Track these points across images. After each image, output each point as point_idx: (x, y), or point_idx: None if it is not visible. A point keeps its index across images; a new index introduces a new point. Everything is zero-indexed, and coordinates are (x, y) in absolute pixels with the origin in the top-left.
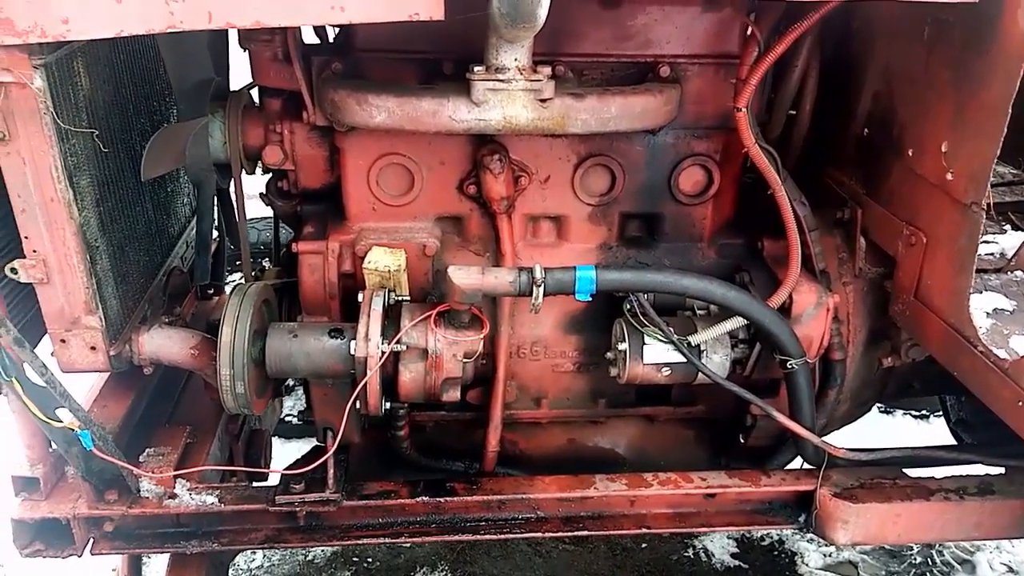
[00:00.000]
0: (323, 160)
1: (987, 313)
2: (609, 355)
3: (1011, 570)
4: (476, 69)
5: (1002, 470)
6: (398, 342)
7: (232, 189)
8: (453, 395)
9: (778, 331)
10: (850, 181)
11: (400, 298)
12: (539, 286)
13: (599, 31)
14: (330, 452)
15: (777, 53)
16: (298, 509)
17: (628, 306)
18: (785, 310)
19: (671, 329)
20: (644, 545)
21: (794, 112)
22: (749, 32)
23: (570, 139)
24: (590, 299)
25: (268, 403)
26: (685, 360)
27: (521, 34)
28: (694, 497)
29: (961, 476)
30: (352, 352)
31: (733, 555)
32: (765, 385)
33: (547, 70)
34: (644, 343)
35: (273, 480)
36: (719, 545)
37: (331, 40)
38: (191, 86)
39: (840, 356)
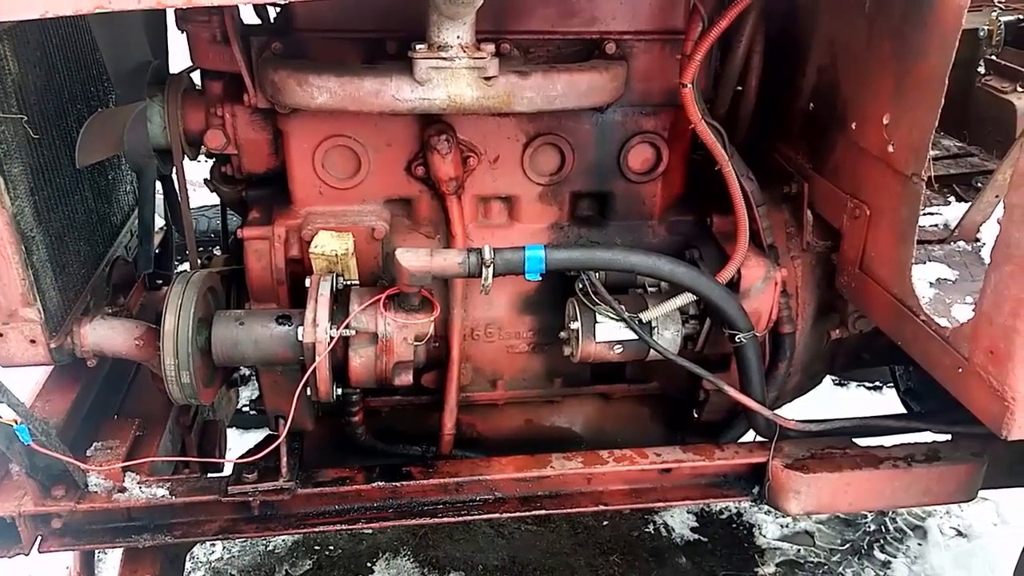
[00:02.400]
0: (267, 143)
1: (930, 283)
2: (563, 334)
3: (960, 533)
4: (418, 47)
5: (948, 437)
6: (347, 327)
7: (175, 175)
8: (405, 379)
9: (726, 306)
10: (797, 155)
11: (349, 282)
12: (488, 267)
13: (544, 8)
14: (280, 439)
15: (721, 28)
16: (252, 499)
17: (580, 285)
18: (734, 285)
19: (622, 307)
20: (605, 523)
21: (741, 88)
22: (693, 7)
23: (518, 118)
24: (540, 279)
25: (217, 392)
26: (637, 337)
27: (460, 10)
28: (650, 473)
29: (909, 444)
30: (300, 338)
31: (693, 529)
32: (716, 360)
33: (491, 47)
34: (596, 321)
35: (227, 471)
36: (679, 520)
37: (272, 20)
38: (128, 70)
39: (789, 329)
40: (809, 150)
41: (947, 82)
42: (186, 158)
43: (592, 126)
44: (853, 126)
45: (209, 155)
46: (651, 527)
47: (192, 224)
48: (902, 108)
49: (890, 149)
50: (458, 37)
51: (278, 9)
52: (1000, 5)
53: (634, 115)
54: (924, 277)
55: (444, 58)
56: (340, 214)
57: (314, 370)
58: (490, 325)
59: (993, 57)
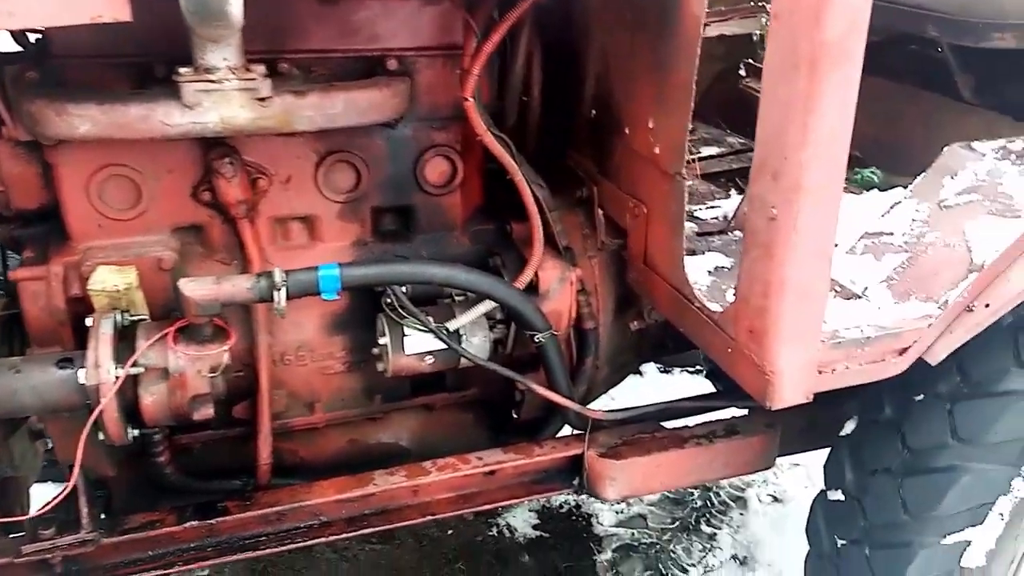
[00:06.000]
0: (35, 177)
1: (709, 272)
2: (375, 350)
3: (776, 499)
4: (183, 71)
5: (746, 411)
6: (134, 364)
7: None
8: (205, 412)
9: (522, 308)
10: (585, 160)
11: (136, 318)
12: (280, 290)
13: (322, 27)
14: (66, 489)
15: (494, 43)
16: (51, 556)
17: (387, 300)
18: (534, 288)
19: (430, 318)
20: (450, 531)
21: (528, 98)
22: (466, 23)
23: (306, 137)
24: (337, 297)
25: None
26: (446, 346)
27: (217, 32)
28: (474, 477)
29: (712, 422)
30: (83, 381)
31: (535, 526)
32: (528, 360)
33: (261, 68)
34: (404, 334)
35: None
36: (521, 520)
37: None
38: None
39: (591, 325)
40: (594, 155)
41: (695, 87)
42: None
43: (384, 141)
44: (627, 131)
45: None
46: (494, 530)
47: None
48: (663, 113)
49: (657, 151)
50: (224, 59)
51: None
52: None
53: (425, 129)
54: (704, 266)
55: (211, 80)
56: (123, 247)
57: (101, 413)
58: (300, 348)
59: (750, 60)
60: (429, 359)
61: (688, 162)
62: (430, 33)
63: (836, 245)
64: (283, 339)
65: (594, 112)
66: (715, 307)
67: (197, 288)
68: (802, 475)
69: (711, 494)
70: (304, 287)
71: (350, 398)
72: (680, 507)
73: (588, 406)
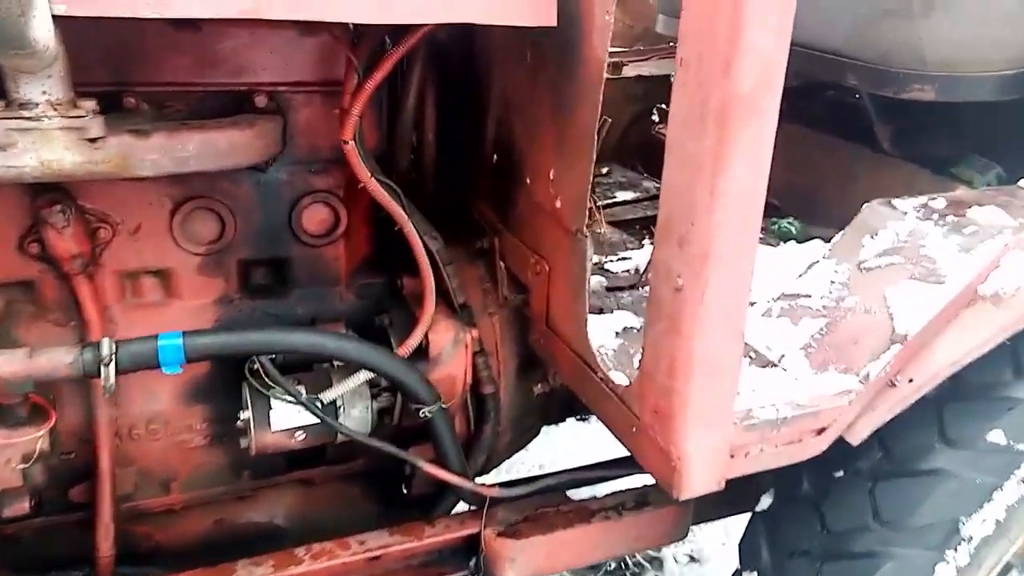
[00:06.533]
0: None
1: (616, 333)
2: (239, 424)
3: (693, 559)
4: None
5: None
6: None
7: None
8: (19, 508)
9: (405, 378)
10: (487, 209)
11: None
12: (107, 364)
13: (179, 57)
14: None
15: (376, 81)
16: None
17: (252, 366)
18: (424, 351)
19: (301, 388)
20: None
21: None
22: (347, 59)
23: (157, 181)
24: (181, 371)
25: None
26: (320, 420)
27: (22, 62)
28: (356, 564)
29: (621, 492)
30: None
31: None
32: (420, 430)
33: (91, 104)
34: (270, 408)
35: None
36: None
37: None
38: None
39: (491, 389)
40: (496, 204)
41: (597, 136)
42: None
43: (254, 187)
44: (528, 181)
45: None
46: None
47: None
48: (563, 163)
49: (558, 204)
50: (44, 92)
51: None
52: None
53: (302, 173)
54: (612, 327)
55: (28, 117)
56: None
57: None
58: (153, 421)
59: (663, 105)
60: (300, 435)
61: (598, 207)
62: (307, 67)
63: (753, 303)
64: (131, 410)
65: (496, 158)
66: (620, 378)
67: (6, 364)
68: (720, 531)
69: (626, 555)
70: (139, 360)
71: (213, 475)
72: (594, 570)
73: (489, 473)
